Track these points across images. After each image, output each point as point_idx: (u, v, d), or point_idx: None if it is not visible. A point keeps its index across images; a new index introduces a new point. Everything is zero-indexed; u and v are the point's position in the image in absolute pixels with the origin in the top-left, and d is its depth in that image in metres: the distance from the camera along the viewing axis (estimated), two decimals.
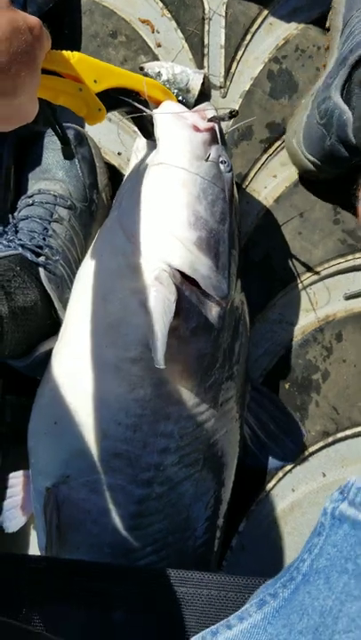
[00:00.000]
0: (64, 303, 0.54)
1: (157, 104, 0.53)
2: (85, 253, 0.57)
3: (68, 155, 0.54)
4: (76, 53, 0.47)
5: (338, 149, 0.57)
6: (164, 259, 0.47)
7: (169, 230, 0.48)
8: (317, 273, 0.66)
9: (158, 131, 0.50)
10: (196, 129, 0.51)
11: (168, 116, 0.50)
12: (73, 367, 0.49)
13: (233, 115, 0.53)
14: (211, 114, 0.52)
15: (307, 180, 0.67)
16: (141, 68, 0.67)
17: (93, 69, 0.48)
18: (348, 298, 0.68)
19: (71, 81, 0.47)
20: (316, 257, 0.67)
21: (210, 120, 0.51)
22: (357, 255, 0.67)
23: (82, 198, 0.57)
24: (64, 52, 0.47)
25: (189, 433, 0.49)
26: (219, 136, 0.51)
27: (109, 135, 0.65)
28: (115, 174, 0.65)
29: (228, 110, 0.53)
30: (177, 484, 0.49)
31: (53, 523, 0.46)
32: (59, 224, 0.55)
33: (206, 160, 0.50)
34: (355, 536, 0.33)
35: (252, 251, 0.66)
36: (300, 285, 0.66)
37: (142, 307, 0.46)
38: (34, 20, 0.35)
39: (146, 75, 0.66)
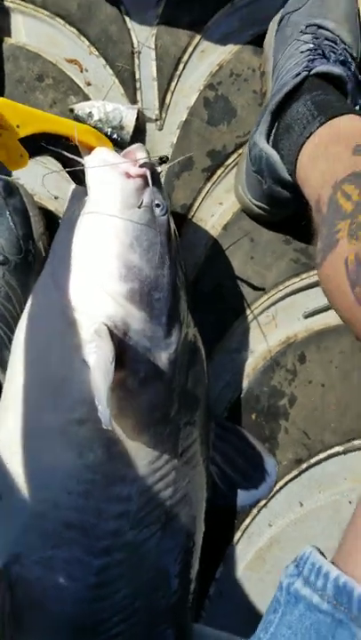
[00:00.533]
0: (4, 365, 0.48)
1: (90, 149, 0.48)
2: (24, 307, 0.52)
3: None
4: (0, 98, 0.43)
5: (277, 191, 0.53)
6: (101, 312, 0.42)
7: (100, 284, 0.43)
8: (273, 295, 0.61)
9: (89, 180, 0.45)
10: (128, 175, 0.46)
11: (98, 164, 0.45)
12: (15, 434, 0.43)
13: (163, 161, 0.49)
14: (142, 158, 0.46)
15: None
16: (71, 110, 0.62)
17: (17, 114, 0.43)
18: (308, 316, 0.62)
19: None
20: (270, 279, 0.61)
21: (141, 166, 0.46)
22: (312, 272, 0.61)
23: (16, 251, 0.51)
24: None
25: (148, 492, 0.43)
26: (150, 180, 0.46)
27: (42, 179, 0.60)
28: (52, 220, 0.59)
29: (157, 157, 0.49)
30: (138, 547, 0.43)
31: (6, 608, 0.40)
32: None
33: (139, 207, 0.45)
34: (310, 618, 0.28)
35: (203, 282, 0.60)
36: (256, 310, 0.60)
37: (84, 364, 0.40)
38: None
39: (77, 117, 0.61)
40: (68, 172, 0.48)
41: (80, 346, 0.41)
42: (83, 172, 0.46)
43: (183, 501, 0.46)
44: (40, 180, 0.57)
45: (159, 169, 0.48)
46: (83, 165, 0.45)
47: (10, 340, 0.48)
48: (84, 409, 0.41)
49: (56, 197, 0.60)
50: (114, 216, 0.44)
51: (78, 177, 0.48)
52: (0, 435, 0.44)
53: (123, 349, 0.41)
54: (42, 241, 0.55)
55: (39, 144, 0.45)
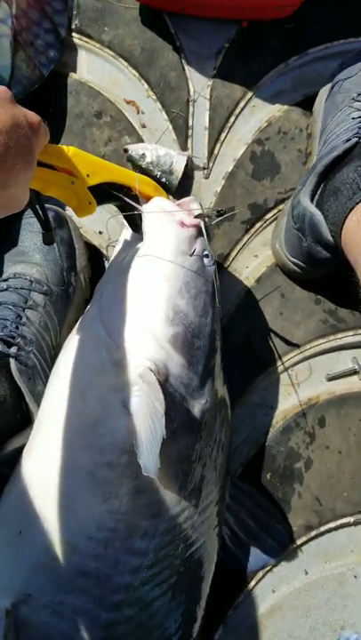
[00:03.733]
0: (36, 396, 0.49)
1: (148, 199, 0.52)
2: (59, 338, 0.54)
3: (48, 240, 0.51)
4: (71, 148, 0.46)
5: (317, 251, 0.56)
6: (146, 355, 0.44)
7: (147, 325, 0.45)
8: (299, 354, 0.63)
9: (146, 225, 0.49)
10: (183, 225, 0.49)
11: (156, 212, 0.49)
12: (44, 470, 0.44)
13: (221, 213, 0.53)
14: (197, 210, 0.50)
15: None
16: (125, 150, 0.66)
17: (87, 164, 0.47)
18: (331, 379, 0.65)
19: (64, 174, 0.45)
20: (297, 337, 0.64)
21: (196, 217, 0.50)
22: (339, 335, 0.64)
23: (59, 282, 0.54)
24: (60, 146, 0.45)
25: (164, 549, 0.44)
26: (204, 231, 0.49)
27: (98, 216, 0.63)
28: (94, 254, 0.62)
29: (216, 209, 0.52)
30: (148, 605, 0.43)
31: None
32: (33, 310, 0.52)
33: (191, 255, 0.48)
34: None
35: (233, 332, 0.63)
36: (281, 367, 0.63)
37: (123, 406, 0.42)
38: (34, 116, 0.37)
39: (130, 157, 0.65)
40: (125, 219, 0.51)
41: (121, 387, 0.43)
42: (140, 219, 0.49)
43: (195, 562, 0.47)
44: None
45: (213, 221, 0.51)
46: (141, 211, 0.49)
47: (44, 371, 0.49)
48: (116, 453, 0.42)
49: (100, 233, 0.63)
50: (167, 260, 0.47)
51: (135, 224, 0.51)
52: (28, 466, 0.45)
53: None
54: (83, 273, 0.57)
55: (104, 192, 0.48)
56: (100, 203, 0.49)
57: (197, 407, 0.46)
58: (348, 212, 0.50)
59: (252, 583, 0.56)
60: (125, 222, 0.51)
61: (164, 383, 0.43)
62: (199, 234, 0.50)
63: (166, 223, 0.49)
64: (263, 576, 0.57)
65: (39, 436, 0.46)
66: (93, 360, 0.45)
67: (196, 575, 0.47)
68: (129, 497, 0.42)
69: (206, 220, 0.50)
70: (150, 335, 0.44)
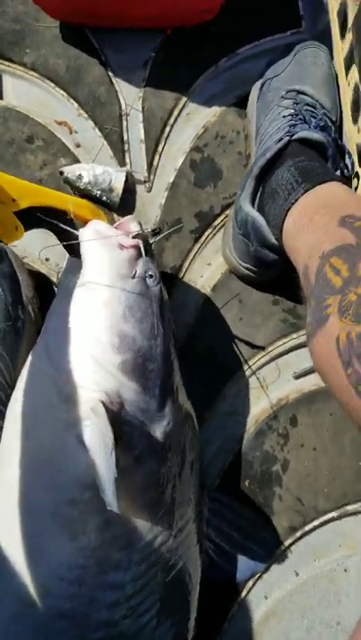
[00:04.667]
0: None
1: (84, 222, 0.51)
2: (13, 375, 0.53)
3: None
4: None
5: (264, 254, 0.56)
6: (96, 386, 0.44)
7: (93, 355, 0.44)
8: (264, 356, 0.63)
9: (83, 252, 0.48)
10: (121, 247, 0.48)
11: (93, 236, 0.48)
12: (7, 515, 0.43)
13: (156, 232, 0.52)
14: (135, 229, 0.50)
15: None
16: (61, 173, 0.65)
17: (13, 187, 0.46)
18: (298, 377, 0.65)
19: None
20: (260, 340, 0.64)
21: (134, 237, 0.49)
22: (301, 332, 0.64)
23: (4, 318, 0.53)
24: None
25: (142, 578, 0.43)
26: (143, 250, 0.49)
27: (36, 241, 0.61)
28: (43, 282, 0.62)
29: (150, 228, 0.52)
30: (133, 637, 0.43)
31: None
32: None
33: (133, 277, 0.48)
34: None
35: (195, 343, 0.62)
36: (247, 372, 0.63)
37: (79, 442, 0.41)
38: None
39: (67, 179, 0.65)
40: (63, 245, 0.51)
41: (74, 422, 0.42)
42: (77, 243, 0.49)
43: (178, 585, 0.46)
44: (31, 241, 0.61)
45: (151, 240, 0.51)
46: (77, 237, 0.48)
47: (0, 412, 0.49)
48: (77, 489, 0.42)
49: (47, 259, 0.63)
50: (107, 286, 0.47)
51: (73, 248, 0.50)
52: None
53: (117, 426, 0.42)
54: (31, 304, 0.56)
55: (35, 216, 0.48)
56: (29, 227, 0.49)
57: (159, 430, 0.45)
58: (285, 214, 0.51)
59: (244, 592, 0.56)
60: (64, 248, 0.51)
61: (120, 412, 0.43)
62: (139, 254, 0.49)
63: (103, 247, 0.48)
64: (254, 584, 0.57)
65: None
66: (43, 397, 0.44)
67: (180, 598, 0.47)
68: (97, 532, 0.42)
69: (147, 239, 0.50)
70: (98, 365, 0.44)
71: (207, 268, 0.65)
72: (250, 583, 0.56)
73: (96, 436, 0.40)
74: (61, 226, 0.48)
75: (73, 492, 0.42)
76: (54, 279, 0.62)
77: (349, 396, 0.38)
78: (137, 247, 0.49)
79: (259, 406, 0.62)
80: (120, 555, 0.43)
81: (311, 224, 0.48)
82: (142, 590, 0.44)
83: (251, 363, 0.63)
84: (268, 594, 0.57)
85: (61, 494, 0.42)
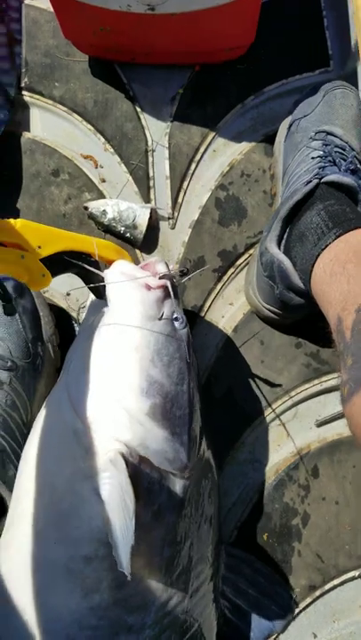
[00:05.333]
0: (8, 481, 0.47)
1: (109, 263, 0.51)
2: (30, 414, 0.52)
3: (9, 311, 0.51)
4: (19, 220, 0.45)
5: (289, 297, 0.55)
6: (117, 436, 0.42)
7: (118, 401, 0.43)
8: (285, 402, 0.62)
9: (109, 291, 0.47)
10: (148, 287, 0.48)
11: (119, 276, 0.47)
12: (19, 567, 0.41)
13: (184, 273, 0.52)
14: (162, 270, 0.49)
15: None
16: (86, 208, 0.65)
17: (38, 234, 0.45)
18: (320, 425, 0.63)
19: (12, 249, 0.44)
20: (282, 384, 0.63)
21: (161, 277, 0.48)
22: (324, 378, 0.63)
23: (24, 355, 0.52)
24: (6, 220, 0.44)
25: None
26: (171, 292, 0.48)
27: (56, 277, 0.62)
28: (63, 317, 0.61)
29: (179, 269, 0.51)
30: None
31: None
32: None
33: (160, 319, 0.47)
34: None
35: (214, 386, 0.61)
36: (268, 418, 0.61)
37: (96, 494, 0.40)
38: None
39: (91, 214, 0.65)
40: (88, 286, 0.50)
41: (92, 474, 0.41)
42: (103, 285, 0.48)
43: None
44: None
45: (179, 281, 0.51)
46: (102, 279, 0.48)
47: (14, 452, 0.47)
48: (92, 545, 0.40)
49: (68, 294, 0.63)
50: (135, 327, 0.46)
51: (98, 290, 0.50)
52: (4, 563, 0.43)
53: (136, 480, 0.41)
54: (51, 342, 0.56)
55: (61, 261, 0.47)
56: (56, 274, 0.48)
57: (179, 483, 0.44)
58: (315, 260, 0.50)
59: None
60: (89, 290, 0.50)
61: (139, 465, 0.42)
62: (166, 296, 0.49)
63: (130, 288, 0.47)
64: None
65: (12, 529, 0.44)
66: (61, 444, 0.43)
67: None
68: (110, 591, 0.40)
69: (174, 280, 0.49)
70: (124, 411, 0.43)
71: (229, 308, 0.65)
72: None
73: (115, 491, 0.38)
74: (87, 268, 0.48)
75: (88, 548, 0.40)
76: (74, 314, 0.61)
77: None
78: (164, 288, 0.48)
79: (279, 455, 0.60)
80: (134, 616, 0.41)
81: (345, 273, 0.47)
82: None
83: (271, 409, 0.62)
84: None
85: (76, 549, 0.41)
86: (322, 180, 0.58)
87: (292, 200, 0.57)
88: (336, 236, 0.50)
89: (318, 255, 0.51)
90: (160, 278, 0.49)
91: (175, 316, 0.48)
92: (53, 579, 0.41)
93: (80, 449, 0.42)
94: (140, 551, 0.41)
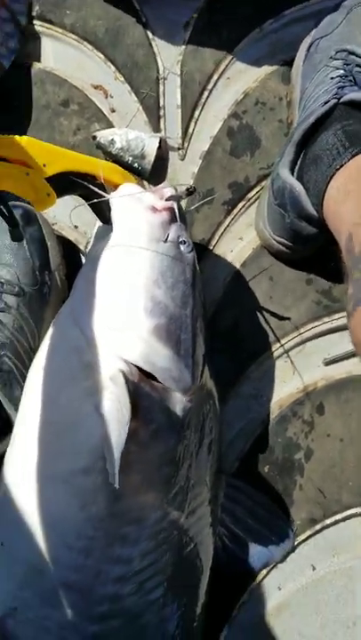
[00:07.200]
0: (14, 400, 0.48)
1: (115, 187, 0.50)
2: (37, 340, 0.53)
3: (16, 237, 0.50)
4: (24, 137, 0.44)
5: (301, 227, 0.53)
6: (119, 354, 0.42)
7: (123, 320, 0.43)
8: (293, 339, 0.61)
9: (114, 213, 0.47)
10: (154, 209, 0.47)
11: (124, 199, 0.47)
12: (22, 479, 0.43)
13: (191, 192, 0.50)
14: (168, 193, 0.48)
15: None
16: (94, 137, 0.63)
17: (44, 153, 0.45)
18: (328, 363, 0.62)
19: (18, 165, 0.44)
20: (290, 322, 0.61)
21: (167, 199, 0.47)
22: (335, 316, 0.61)
23: (32, 282, 0.52)
24: (11, 136, 0.43)
25: (150, 555, 0.42)
26: (178, 215, 0.47)
27: (65, 208, 0.58)
28: (71, 250, 0.60)
29: (185, 187, 0.50)
30: (138, 615, 0.42)
31: None
32: (5, 313, 0.50)
33: (165, 241, 0.46)
34: None
35: (221, 320, 0.60)
36: (275, 354, 0.60)
37: (96, 411, 0.40)
38: None
39: (99, 144, 0.63)
40: (93, 209, 0.49)
41: (93, 391, 0.41)
42: (108, 209, 0.47)
43: (188, 566, 0.45)
44: (60, 207, 0.59)
45: (184, 200, 0.49)
46: (108, 202, 0.47)
47: (22, 375, 0.48)
48: (91, 458, 0.41)
49: (76, 227, 0.62)
50: (139, 248, 0.45)
51: (104, 214, 0.49)
52: (8, 476, 0.44)
53: (136, 398, 0.41)
54: (58, 271, 0.56)
55: (66, 182, 0.46)
56: (61, 194, 0.47)
57: (179, 405, 0.44)
58: (329, 180, 0.47)
59: (257, 581, 0.55)
60: (93, 213, 0.49)
61: (139, 383, 0.42)
62: (173, 218, 0.47)
63: (135, 209, 0.46)
64: (268, 573, 0.55)
65: (17, 445, 0.45)
66: (65, 363, 0.43)
67: (189, 580, 0.46)
68: (107, 503, 0.41)
69: (181, 199, 0.47)
70: (128, 330, 0.43)
71: (238, 243, 0.63)
72: (263, 572, 0.55)
73: (114, 406, 0.39)
74: (92, 188, 0.46)
75: (87, 461, 0.41)
76: (82, 247, 0.61)
77: None
78: (170, 210, 0.47)
79: (284, 390, 0.60)
80: (129, 529, 0.42)
81: (358, 190, 0.45)
82: (150, 567, 0.43)
83: (278, 345, 0.61)
84: (281, 585, 0.55)
85: (75, 462, 0.41)
86: (340, 100, 0.54)
87: (306, 122, 0.54)
88: (353, 155, 0.48)
89: (332, 176, 0.48)
90: (167, 200, 0.48)
91: (181, 239, 0.47)
92: (53, 490, 0.42)
93: (83, 367, 0.43)
94: (137, 468, 0.42)
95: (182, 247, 0.47)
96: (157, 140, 0.62)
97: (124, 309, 0.44)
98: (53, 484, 0.42)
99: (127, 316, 0.43)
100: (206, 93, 0.65)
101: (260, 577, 0.55)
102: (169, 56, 0.66)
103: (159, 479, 0.43)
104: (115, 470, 0.35)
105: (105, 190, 0.49)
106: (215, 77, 0.66)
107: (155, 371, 0.43)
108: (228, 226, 0.63)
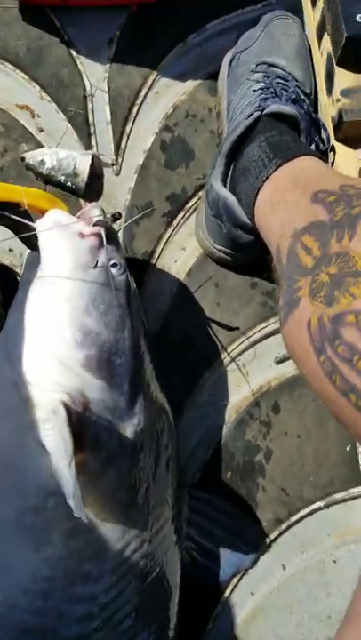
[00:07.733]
0: None
1: (42, 213, 0.45)
2: None
3: None
4: None
5: (237, 235, 0.51)
6: (57, 386, 0.38)
7: (54, 353, 0.39)
8: (243, 341, 0.58)
9: (41, 243, 0.43)
10: (82, 235, 0.43)
11: (50, 227, 0.43)
12: None
13: (116, 218, 0.47)
14: (96, 217, 0.44)
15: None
16: (22, 159, 0.58)
17: None
18: (279, 362, 0.60)
19: None
20: (238, 325, 0.59)
21: (95, 225, 0.44)
22: None
23: None
24: None
25: (115, 588, 0.39)
26: (105, 239, 0.43)
27: None
28: (7, 274, 0.56)
29: (110, 214, 0.46)
30: None
31: None
32: None
33: (95, 267, 0.42)
34: None
35: (170, 332, 0.57)
36: (226, 359, 0.57)
37: (39, 446, 0.36)
38: None
39: (28, 165, 0.59)
40: (20, 239, 0.45)
41: (34, 425, 0.37)
42: (36, 237, 0.43)
43: (155, 591, 0.42)
44: None
45: (115, 225, 0.46)
46: (34, 230, 0.43)
47: None
48: (40, 496, 0.37)
49: (10, 250, 0.57)
50: (67, 278, 0.42)
51: (32, 242, 0.45)
52: None
53: (82, 428, 0.38)
54: None
55: None
56: None
57: (130, 429, 0.40)
58: (257, 192, 0.45)
59: (228, 590, 0.51)
60: (22, 242, 0.45)
61: (84, 412, 0.38)
62: (101, 243, 0.44)
63: (62, 237, 0.43)
64: (239, 580, 0.52)
65: None
66: (3, 398, 0.39)
67: (159, 604, 0.42)
68: (63, 541, 0.37)
69: (107, 225, 0.44)
70: (60, 363, 0.39)
71: (181, 253, 0.60)
72: (235, 580, 0.52)
73: (57, 440, 0.35)
74: (16, 218, 0.42)
75: (36, 499, 0.37)
76: (19, 270, 0.56)
77: (323, 384, 0.33)
78: (99, 235, 0.44)
79: (239, 394, 0.57)
80: (90, 565, 0.38)
81: (283, 201, 0.43)
82: (116, 600, 0.39)
83: (230, 349, 0.58)
84: (254, 590, 0.52)
85: (24, 501, 0.37)
86: (263, 112, 0.53)
87: (233, 135, 0.52)
88: (276, 166, 0.46)
89: (260, 187, 0.47)
90: (94, 225, 0.44)
91: (112, 262, 0.44)
92: (4, 534, 0.38)
93: (21, 402, 0.38)
94: (93, 499, 0.38)
95: (114, 270, 0.44)
96: (90, 158, 0.59)
97: (55, 342, 0.40)
98: (3, 528, 0.38)
99: (58, 348, 0.40)
100: (136, 108, 0.62)
101: (231, 586, 0.52)
102: (95, 73, 0.62)
103: (116, 507, 0.39)
104: (75, 505, 0.32)
105: (30, 218, 0.45)
106: (144, 92, 0.63)
107: (89, 402, 0.39)
108: (169, 237, 0.60)
